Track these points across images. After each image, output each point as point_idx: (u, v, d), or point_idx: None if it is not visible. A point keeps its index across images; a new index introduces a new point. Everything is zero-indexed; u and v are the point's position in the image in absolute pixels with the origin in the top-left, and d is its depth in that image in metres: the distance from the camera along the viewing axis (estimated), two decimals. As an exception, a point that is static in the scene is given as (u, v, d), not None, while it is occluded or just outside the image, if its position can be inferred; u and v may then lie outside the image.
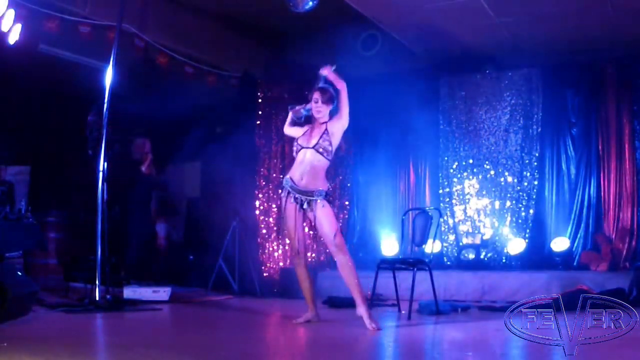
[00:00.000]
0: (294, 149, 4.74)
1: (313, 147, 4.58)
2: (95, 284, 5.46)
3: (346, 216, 8.72)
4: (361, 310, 4.43)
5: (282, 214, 4.79)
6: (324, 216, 4.55)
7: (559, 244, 7.57)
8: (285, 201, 4.70)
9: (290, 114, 4.81)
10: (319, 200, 4.55)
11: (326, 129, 4.63)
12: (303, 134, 4.74)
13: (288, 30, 8.02)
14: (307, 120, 4.85)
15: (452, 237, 8.23)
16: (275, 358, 3.63)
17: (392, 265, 5.74)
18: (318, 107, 4.67)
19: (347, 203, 8.70)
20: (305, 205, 4.60)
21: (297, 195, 4.62)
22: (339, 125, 4.64)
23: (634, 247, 7.24)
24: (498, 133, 8.06)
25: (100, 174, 5.63)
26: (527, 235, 7.81)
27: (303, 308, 4.99)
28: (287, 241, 5.47)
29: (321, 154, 4.58)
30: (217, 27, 7.73)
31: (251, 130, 8.14)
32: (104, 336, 4.45)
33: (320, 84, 4.69)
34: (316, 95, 4.68)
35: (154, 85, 7.67)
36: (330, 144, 4.60)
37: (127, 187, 7.37)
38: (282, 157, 8.28)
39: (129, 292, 6.14)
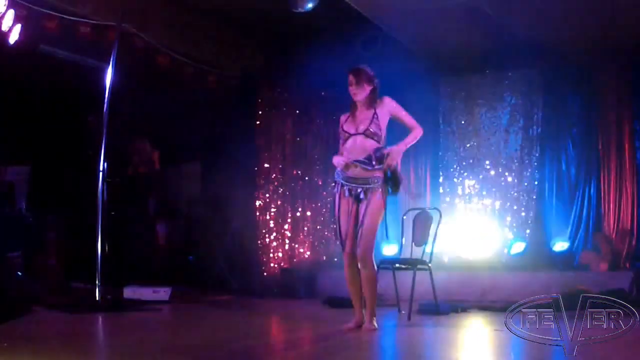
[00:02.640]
0: (341, 136, 4.53)
1: (363, 133, 4.36)
2: (95, 284, 5.46)
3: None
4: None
5: (335, 211, 4.42)
6: (375, 209, 4.27)
7: (559, 244, 7.57)
8: (339, 196, 4.41)
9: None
10: (376, 190, 4.30)
11: (375, 113, 4.39)
12: (346, 121, 4.53)
13: (288, 30, 8.02)
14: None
15: (452, 237, 8.21)
16: (274, 358, 3.63)
17: (392, 265, 5.74)
18: (353, 90, 4.44)
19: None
20: (361, 196, 4.32)
21: (352, 186, 4.35)
22: (386, 111, 4.44)
23: (634, 247, 7.23)
24: (498, 133, 8.06)
25: (100, 174, 5.63)
26: (527, 235, 7.80)
27: (303, 308, 4.99)
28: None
29: (372, 138, 4.33)
30: (217, 27, 7.73)
31: (251, 130, 8.14)
32: (104, 336, 4.45)
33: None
34: (350, 78, 4.44)
35: (154, 85, 7.67)
36: (380, 129, 4.37)
37: (126, 186, 7.37)
38: (282, 157, 8.29)
39: (129, 292, 6.14)
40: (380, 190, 4.29)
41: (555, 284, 6.47)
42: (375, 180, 4.29)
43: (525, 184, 7.90)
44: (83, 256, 6.82)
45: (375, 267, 4.36)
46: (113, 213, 6.44)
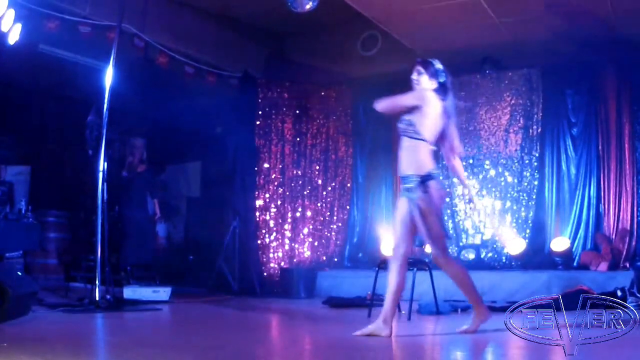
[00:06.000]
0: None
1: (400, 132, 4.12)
2: (95, 284, 5.47)
3: (346, 216, 8.72)
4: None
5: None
6: (420, 210, 3.93)
7: (559, 244, 7.56)
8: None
9: None
10: (412, 192, 3.97)
11: None
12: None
13: (288, 30, 8.03)
14: None
15: (452, 237, 8.22)
16: (275, 358, 3.63)
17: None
18: (415, 79, 4.18)
19: (347, 203, 8.72)
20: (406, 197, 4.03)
21: (403, 185, 4.08)
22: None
23: (634, 247, 7.22)
24: (498, 133, 8.06)
25: (100, 174, 5.63)
26: (527, 235, 7.80)
27: (303, 308, 4.98)
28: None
29: (404, 134, 4.08)
30: (217, 27, 7.73)
31: (251, 130, 8.15)
32: (104, 336, 4.44)
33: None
34: (418, 67, 4.17)
35: (154, 85, 7.67)
36: (410, 123, 4.06)
37: (125, 186, 7.38)
38: (282, 157, 8.29)
39: (129, 292, 6.14)
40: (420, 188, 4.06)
41: (555, 284, 6.47)
42: (409, 179, 4.10)
43: (525, 184, 7.90)
44: (83, 256, 6.83)
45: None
46: (112, 213, 6.46)
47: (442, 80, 4.16)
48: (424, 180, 3.96)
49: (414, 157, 4.02)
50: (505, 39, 7.29)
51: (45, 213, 7.71)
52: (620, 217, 7.38)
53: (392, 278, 4.02)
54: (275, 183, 8.23)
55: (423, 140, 4.02)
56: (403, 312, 5.49)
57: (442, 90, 4.14)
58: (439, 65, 4.17)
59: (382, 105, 4.23)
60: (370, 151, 8.83)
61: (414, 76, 4.19)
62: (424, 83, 4.14)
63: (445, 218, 8.16)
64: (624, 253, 7.16)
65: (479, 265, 7.72)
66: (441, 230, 4.04)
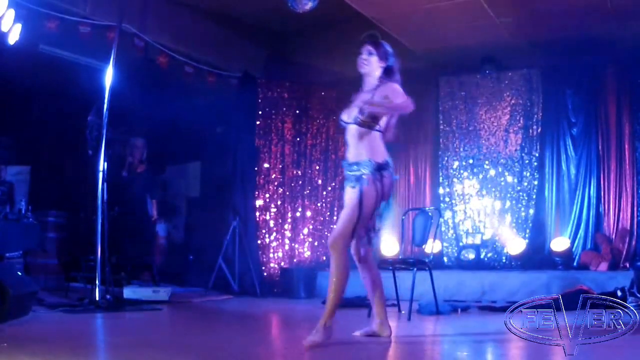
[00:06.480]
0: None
1: (354, 122, 3.83)
2: (95, 284, 5.47)
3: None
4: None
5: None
6: (352, 198, 3.76)
7: (559, 244, 7.57)
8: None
9: None
10: (364, 175, 3.75)
11: (373, 97, 3.84)
12: (346, 108, 4.00)
13: (288, 30, 8.02)
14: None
15: (452, 237, 8.23)
16: (275, 358, 3.63)
17: (392, 265, 5.74)
18: (364, 59, 3.96)
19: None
20: (353, 184, 3.80)
21: (347, 174, 3.87)
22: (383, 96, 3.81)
23: (634, 247, 7.24)
24: (498, 133, 8.07)
25: (100, 174, 5.63)
26: (527, 235, 7.81)
27: (303, 308, 4.97)
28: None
29: (362, 125, 3.80)
30: (217, 27, 7.73)
31: (251, 130, 8.15)
32: (104, 336, 4.45)
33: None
34: (368, 47, 3.96)
35: (154, 85, 7.67)
36: (374, 116, 3.82)
37: (125, 186, 7.37)
38: (282, 157, 8.29)
39: (129, 292, 6.14)
40: (372, 175, 3.80)
41: (555, 284, 6.48)
42: (365, 165, 3.82)
43: (525, 184, 7.91)
44: (83, 256, 6.83)
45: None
46: (112, 213, 6.45)
47: (390, 63, 4.02)
48: (380, 168, 3.78)
49: (371, 146, 3.82)
50: (505, 39, 7.30)
51: (45, 213, 7.70)
52: (620, 217, 7.40)
53: (363, 278, 3.98)
54: (275, 183, 8.23)
55: (380, 131, 3.87)
56: (403, 312, 5.49)
57: (387, 73, 4.00)
58: (389, 48, 4.05)
59: (399, 107, 3.85)
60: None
61: (364, 56, 4.01)
62: (374, 64, 4.01)
63: (445, 218, 8.19)
64: (624, 253, 7.18)
65: (479, 265, 7.73)
66: (368, 225, 3.85)
